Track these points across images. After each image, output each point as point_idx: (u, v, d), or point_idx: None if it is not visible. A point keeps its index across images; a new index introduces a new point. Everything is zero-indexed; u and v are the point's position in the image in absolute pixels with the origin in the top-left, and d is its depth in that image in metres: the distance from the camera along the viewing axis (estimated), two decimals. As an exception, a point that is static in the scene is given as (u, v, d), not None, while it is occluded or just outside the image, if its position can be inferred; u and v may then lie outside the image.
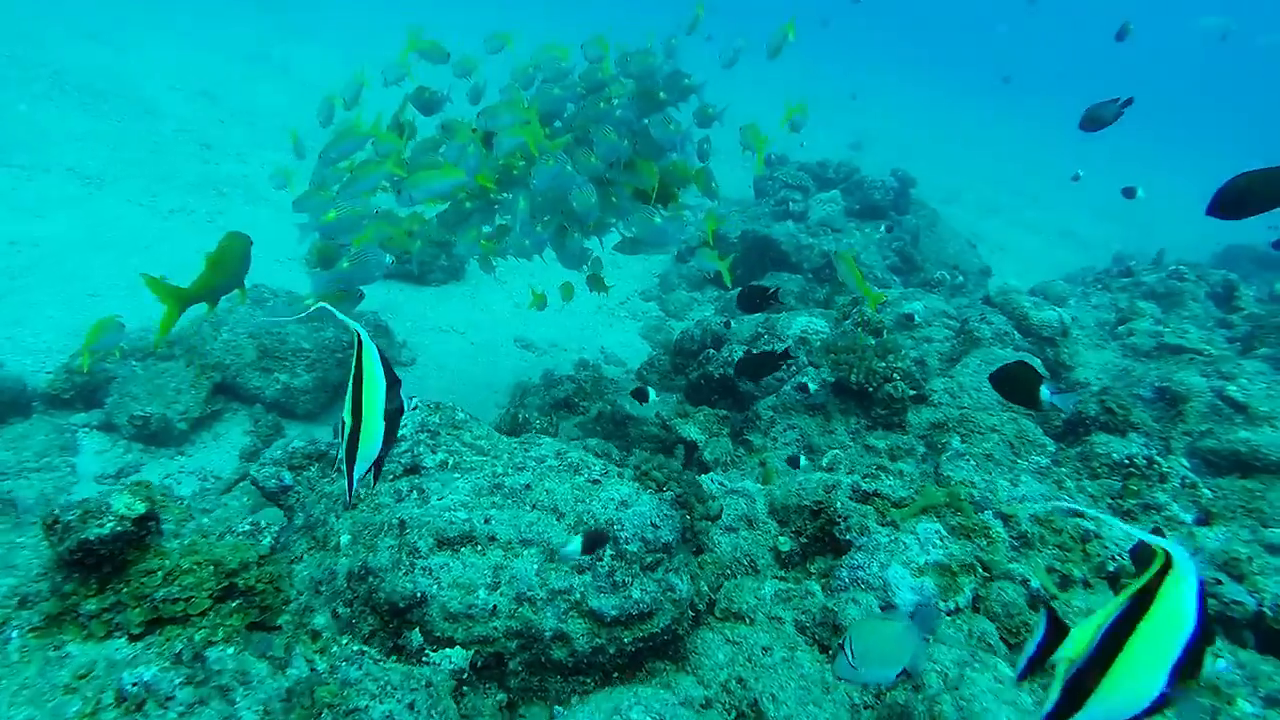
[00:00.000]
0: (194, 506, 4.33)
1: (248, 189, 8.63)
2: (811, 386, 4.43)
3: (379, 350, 1.55)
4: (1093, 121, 3.70)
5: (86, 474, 4.70)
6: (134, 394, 5.15)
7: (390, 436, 1.54)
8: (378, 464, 1.57)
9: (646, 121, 4.08)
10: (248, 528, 2.52)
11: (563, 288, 5.16)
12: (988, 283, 11.04)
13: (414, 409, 2.68)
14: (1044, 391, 2.91)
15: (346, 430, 1.51)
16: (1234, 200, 2.62)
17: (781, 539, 2.88)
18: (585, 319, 7.78)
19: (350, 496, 1.61)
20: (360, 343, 1.52)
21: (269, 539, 2.53)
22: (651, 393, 3.64)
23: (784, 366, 4.55)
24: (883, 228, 8.72)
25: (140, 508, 2.15)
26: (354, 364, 1.53)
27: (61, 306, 6.12)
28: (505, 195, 4.50)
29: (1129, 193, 8.70)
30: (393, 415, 1.53)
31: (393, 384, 1.54)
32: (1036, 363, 4.64)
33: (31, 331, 5.83)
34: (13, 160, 8.14)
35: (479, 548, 2.29)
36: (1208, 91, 37.33)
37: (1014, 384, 2.96)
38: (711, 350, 4.93)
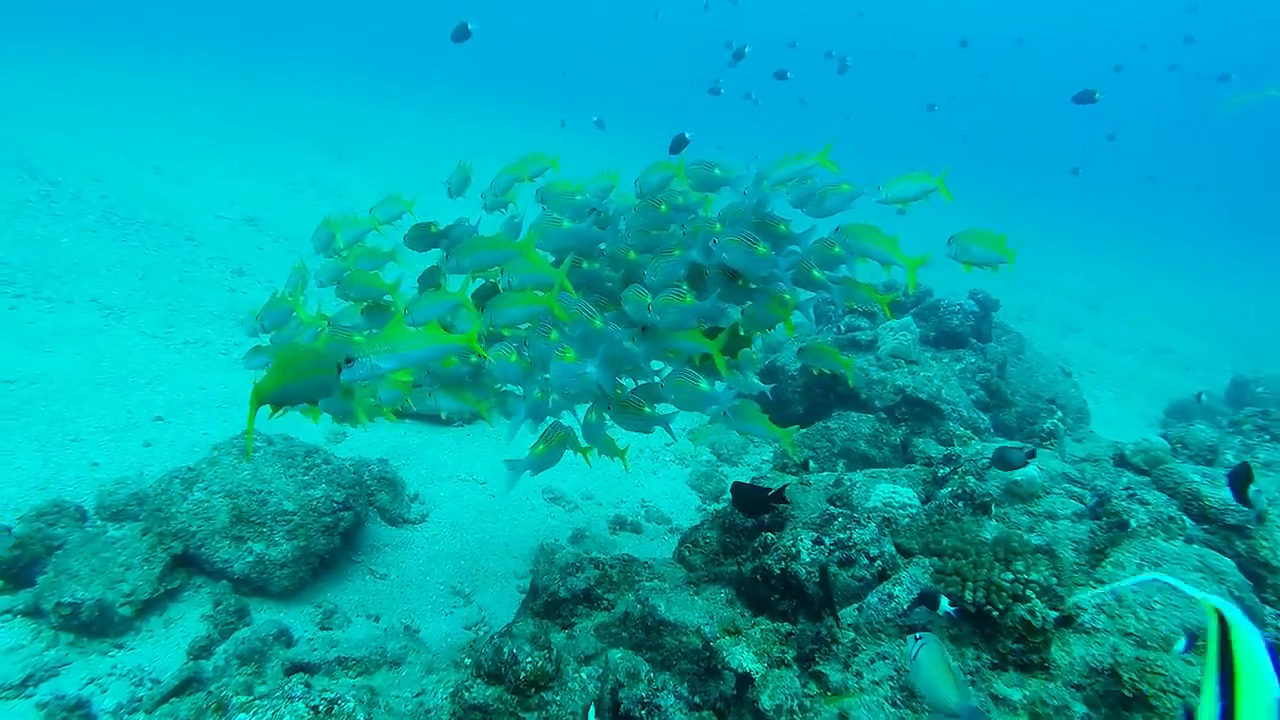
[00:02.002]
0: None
1: (270, 319, 8.17)
2: (903, 599, 3.29)
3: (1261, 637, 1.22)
4: (1003, 462, 4.24)
5: (-16, 683, 3.80)
6: (73, 570, 4.30)
7: None
8: None
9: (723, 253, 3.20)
10: None
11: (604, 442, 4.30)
12: (1087, 414, 9.65)
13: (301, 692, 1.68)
14: None
15: None
16: None
17: None
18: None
19: None
20: (1226, 617, 1.22)
21: None
22: None
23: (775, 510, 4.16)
24: (967, 359, 7.61)
25: None
26: (1217, 647, 1.22)
27: (35, 455, 5.48)
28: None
29: None
30: None
31: None
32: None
33: (-7, 486, 5.17)
34: (42, 292, 7.92)
35: None
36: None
37: None
38: (769, 535, 3.83)
